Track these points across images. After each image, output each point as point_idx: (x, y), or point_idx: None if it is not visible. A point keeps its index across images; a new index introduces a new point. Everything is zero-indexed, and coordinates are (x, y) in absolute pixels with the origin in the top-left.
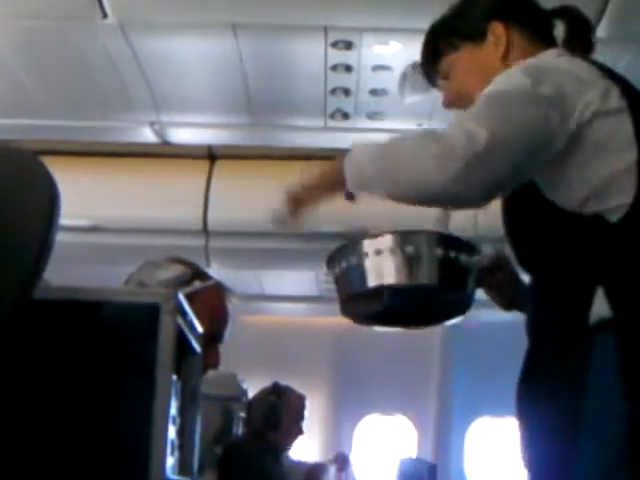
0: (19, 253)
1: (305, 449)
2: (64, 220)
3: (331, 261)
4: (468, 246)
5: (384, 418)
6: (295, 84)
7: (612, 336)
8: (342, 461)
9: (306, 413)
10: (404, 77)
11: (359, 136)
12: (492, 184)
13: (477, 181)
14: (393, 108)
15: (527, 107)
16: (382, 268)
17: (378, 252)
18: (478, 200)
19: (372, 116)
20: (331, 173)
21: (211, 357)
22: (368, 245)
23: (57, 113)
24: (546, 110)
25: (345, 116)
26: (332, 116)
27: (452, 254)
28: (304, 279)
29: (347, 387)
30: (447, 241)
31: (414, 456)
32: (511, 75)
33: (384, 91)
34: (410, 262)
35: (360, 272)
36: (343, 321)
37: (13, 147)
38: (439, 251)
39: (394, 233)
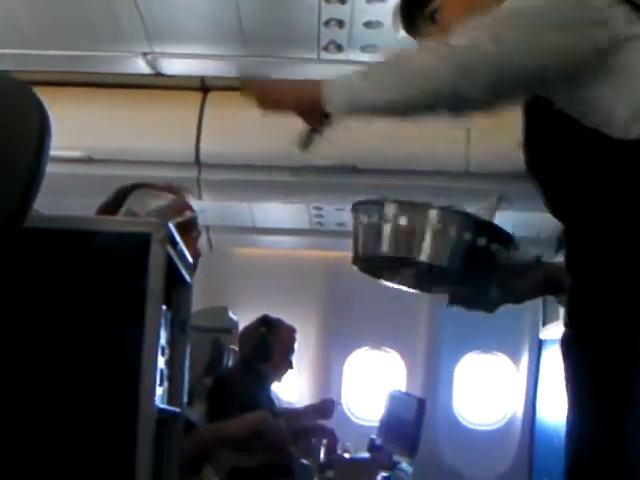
0: (8, 181)
1: (295, 382)
2: (56, 151)
3: (361, 212)
4: (503, 237)
5: (374, 352)
6: (289, 15)
7: None
8: (329, 406)
9: (296, 346)
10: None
11: (352, 68)
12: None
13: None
14: (387, 41)
15: (555, 32)
16: (409, 240)
17: (410, 221)
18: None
19: (366, 49)
20: (305, 103)
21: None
22: (401, 211)
23: (48, 43)
24: (579, 32)
25: (339, 48)
26: (326, 48)
27: (482, 242)
28: (296, 212)
29: (338, 321)
30: (482, 228)
31: (403, 390)
32: None
33: (378, 23)
34: (435, 241)
35: (382, 235)
36: (334, 255)
37: (3, 76)
38: (468, 236)
39: (434, 208)
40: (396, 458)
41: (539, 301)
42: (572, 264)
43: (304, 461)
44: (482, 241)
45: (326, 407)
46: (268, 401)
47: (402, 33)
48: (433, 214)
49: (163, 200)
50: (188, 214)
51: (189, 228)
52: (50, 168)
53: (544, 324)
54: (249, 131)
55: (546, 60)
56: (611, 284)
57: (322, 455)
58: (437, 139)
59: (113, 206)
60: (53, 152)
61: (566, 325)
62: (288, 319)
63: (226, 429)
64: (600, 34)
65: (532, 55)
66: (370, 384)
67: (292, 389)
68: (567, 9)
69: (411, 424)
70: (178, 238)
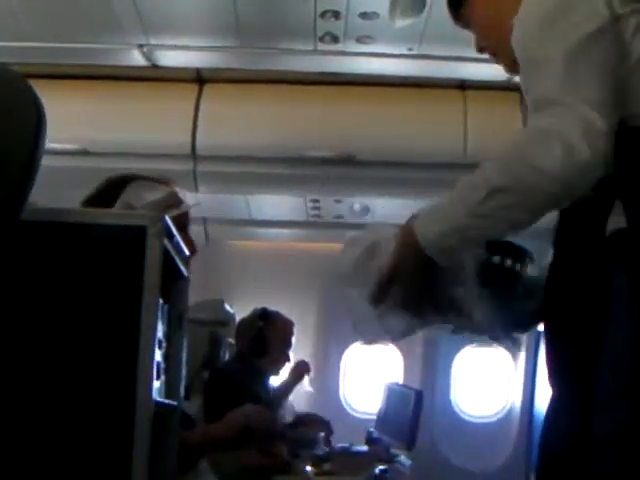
0: (4, 174)
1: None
2: (52, 144)
3: None
4: (517, 253)
5: (371, 345)
6: (285, 6)
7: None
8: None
9: (293, 339)
10: (395, 0)
11: (349, 59)
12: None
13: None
14: (383, 32)
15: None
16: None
17: None
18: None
19: (362, 40)
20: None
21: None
22: None
23: (44, 36)
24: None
25: (335, 39)
26: (322, 39)
27: (496, 259)
28: (292, 204)
29: (335, 313)
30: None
31: (400, 382)
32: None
33: (374, 14)
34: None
35: None
36: (331, 247)
37: None
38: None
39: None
40: (394, 451)
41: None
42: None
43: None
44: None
45: (299, 369)
46: (265, 394)
47: (398, 23)
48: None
49: (159, 193)
50: (185, 207)
51: (186, 221)
52: (46, 161)
53: None
54: (245, 123)
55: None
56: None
57: (320, 447)
58: (435, 131)
59: (103, 198)
60: (49, 145)
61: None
62: (285, 312)
63: (215, 433)
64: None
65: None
66: (368, 377)
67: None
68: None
69: (409, 417)
70: (174, 231)
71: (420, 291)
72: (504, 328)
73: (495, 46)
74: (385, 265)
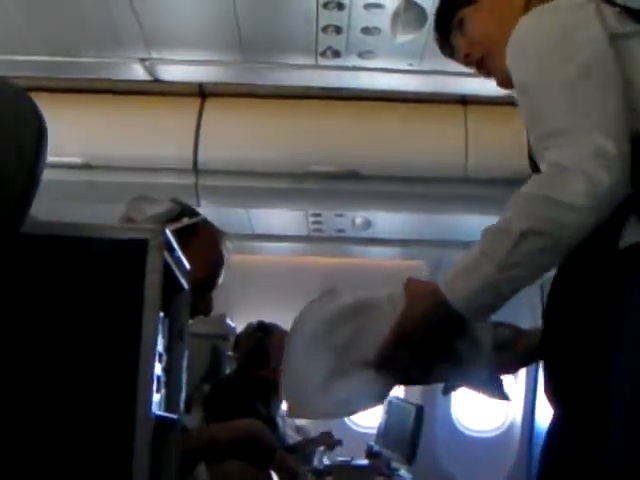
0: (5, 188)
1: None
2: (53, 157)
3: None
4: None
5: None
6: (287, 21)
7: None
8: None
9: None
10: (396, 16)
11: (350, 74)
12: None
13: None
14: (385, 47)
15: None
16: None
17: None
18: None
19: (363, 55)
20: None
21: (204, 303)
22: None
23: (46, 49)
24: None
25: (336, 54)
26: (323, 54)
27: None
28: (294, 218)
29: None
30: None
31: (401, 397)
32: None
33: (376, 29)
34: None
35: None
36: (331, 261)
37: (0, 82)
38: None
39: None
40: (394, 465)
41: (538, 306)
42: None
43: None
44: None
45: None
46: (264, 408)
47: (400, 39)
48: None
49: (160, 207)
50: (185, 221)
51: (209, 284)
52: (47, 174)
53: None
54: (247, 137)
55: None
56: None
57: (321, 461)
58: (436, 146)
59: None
60: (50, 158)
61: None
62: (286, 326)
63: (217, 434)
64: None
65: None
66: None
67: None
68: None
69: (409, 431)
70: (175, 245)
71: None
72: (498, 385)
73: (489, 61)
74: (399, 326)
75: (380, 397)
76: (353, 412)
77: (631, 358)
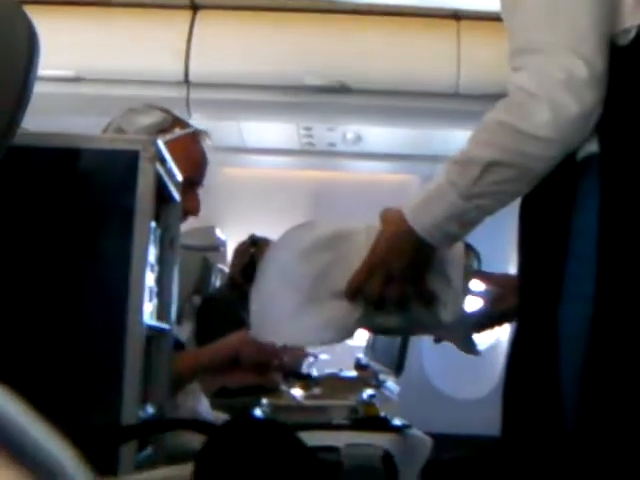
0: None
1: None
2: (45, 71)
3: None
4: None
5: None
6: None
7: (597, 174)
8: None
9: None
10: None
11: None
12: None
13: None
14: None
15: None
16: None
17: None
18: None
19: None
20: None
21: (190, 202)
22: None
23: None
24: None
25: None
26: None
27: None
28: (285, 132)
29: None
30: None
31: None
32: None
33: None
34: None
35: None
36: (322, 175)
37: None
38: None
39: None
40: (382, 377)
41: None
42: None
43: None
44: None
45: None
46: None
47: None
48: None
49: (152, 117)
50: (177, 132)
51: (194, 182)
52: (38, 87)
53: None
54: (238, 50)
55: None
56: None
57: (309, 370)
58: (429, 60)
59: None
60: (41, 71)
61: None
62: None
63: (202, 359)
64: None
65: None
66: None
67: None
68: None
69: (398, 343)
70: (167, 155)
71: (409, 280)
72: (468, 332)
73: None
74: (370, 255)
75: (350, 330)
76: (321, 342)
77: (579, 284)
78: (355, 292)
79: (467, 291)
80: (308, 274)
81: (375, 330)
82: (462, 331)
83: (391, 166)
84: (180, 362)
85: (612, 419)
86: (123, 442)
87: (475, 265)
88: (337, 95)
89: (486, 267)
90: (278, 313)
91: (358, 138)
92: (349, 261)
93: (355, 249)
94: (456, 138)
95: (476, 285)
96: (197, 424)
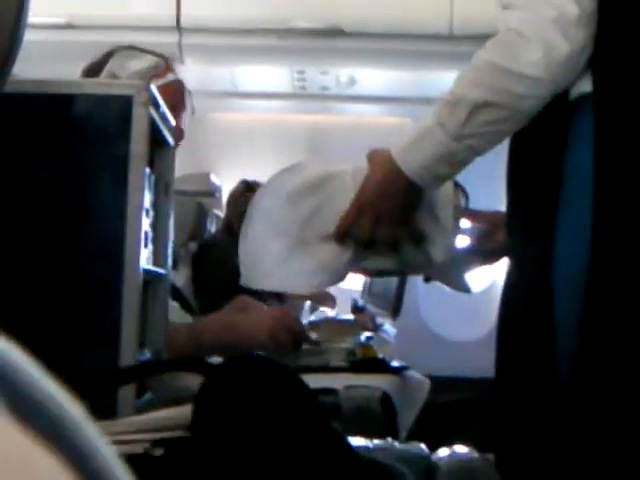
0: None
1: None
2: (36, 18)
3: None
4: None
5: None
6: None
7: (591, 113)
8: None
9: None
10: None
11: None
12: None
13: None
14: None
15: None
16: None
17: None
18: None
19: None
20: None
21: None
22: None
23: None
24: None
25: None
26: None
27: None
28: (278, 76)
29: None
30: None
31: None
32: None
33: None
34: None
35: None
36: (316, 119)
37: None
38: None
39: None
40: (379, 320)
41: None
42: None
43: None
44: None
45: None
46: None
47: None
48: None
49: (145, 62)
50: (171, 76)
51: (179, 104)
52: (29, 35)
53: None
54: None
55: None
56: None
57: (308, 316)
58: (421, 2)
59: (97, 68)
60: (32, 19)
61: None
62: None
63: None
64: None
65: None
66: None
67: None
68: None
69: (394, 285)
70: (161, 100)
71: (399, 221)
72: (459, 270)
73: None
74: (359, 196)
75: (341, 273)
76: (312, 287)
77: (572, 226)
78: (344, 234)
79: (457, 229)
80: (295, 218)
81: (366, 272)
82: (453, 269)
83: (385, 109)
84: (177, 340)
85: (611, 363)
86: (121, 384)
87: (463, 203)
88: (331, 38)
89: (473, 205)
90: (267, 260)
91: (352, 81)
92: (336, 203)
93: (341, 191)
94: (451, 80)
95: (465, 223)
96: (195, 364)
